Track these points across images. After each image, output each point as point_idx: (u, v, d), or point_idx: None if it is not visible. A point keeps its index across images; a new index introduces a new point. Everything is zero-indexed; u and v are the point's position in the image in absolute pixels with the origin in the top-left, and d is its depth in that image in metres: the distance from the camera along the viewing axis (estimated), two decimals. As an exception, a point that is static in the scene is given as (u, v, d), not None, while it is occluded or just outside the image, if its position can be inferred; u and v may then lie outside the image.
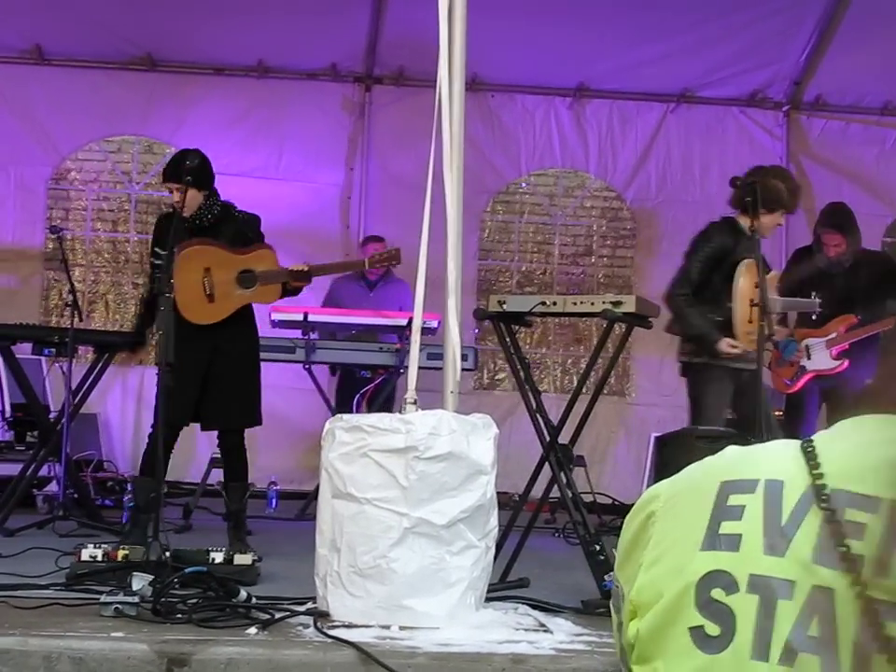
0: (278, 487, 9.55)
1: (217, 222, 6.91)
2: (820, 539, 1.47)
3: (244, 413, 6.99)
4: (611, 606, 1.75)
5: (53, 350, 7.86)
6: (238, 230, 6.96)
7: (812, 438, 1.60)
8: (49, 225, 10.07)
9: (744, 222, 6.74)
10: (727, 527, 1.54)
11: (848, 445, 1.58)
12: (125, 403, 10.88)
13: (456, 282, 5.09)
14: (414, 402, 4.81)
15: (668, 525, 1.61)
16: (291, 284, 6.89)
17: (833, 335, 8.37)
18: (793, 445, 1.59)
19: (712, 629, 1.51)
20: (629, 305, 5.73)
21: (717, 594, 1.51)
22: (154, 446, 6.43)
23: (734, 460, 1.63)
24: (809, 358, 8.28)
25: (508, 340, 5.98)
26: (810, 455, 1.55)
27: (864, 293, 8.12)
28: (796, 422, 8.79)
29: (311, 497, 8.65)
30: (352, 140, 11.32)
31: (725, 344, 6.65)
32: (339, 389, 9.83)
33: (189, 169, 6.65)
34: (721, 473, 1.59)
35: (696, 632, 1.52)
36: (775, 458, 1.59)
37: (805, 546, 1.48)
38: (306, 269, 6.82)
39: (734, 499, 1.55)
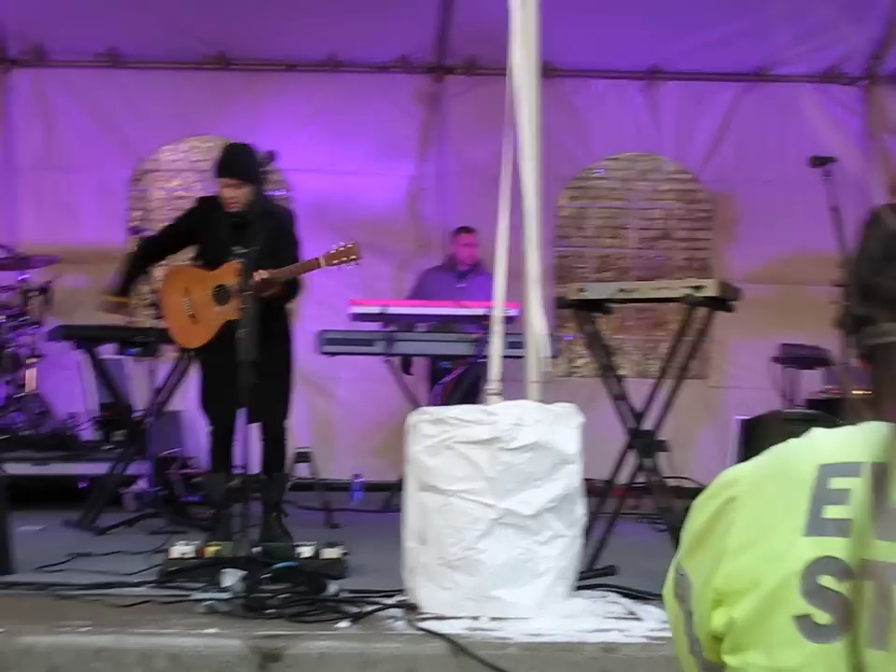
0: (362, 479, 9.59)
1: (259, 217, 6.67)
2: None
3: (285, 406, 7.02)
4: (669, 595, 1.71)
5: (137, 349, 7.94)
6: (276, 225, 6.84)
7: None
8: (129, 226, 10.16)
9: None
10: (833, 512, 1.49)
11: None
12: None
13: (538, 273, 5.08)
14: (498, 393, 4.81)
15: (758, 510, 1.55)
16: (262, 294, 6.57)
17: None
18: (887, 426, 1.53)
19: (822, 618, 1.46)
20: (710, 289, 5.69)
21: (827, 581, 1.46)
22: (218, 439, 6.82)
23: (829, 443, 1.58)
24: None
25: (588, 327, 5.96)
26: None
27: None
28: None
29: (395, 488, 8.69)
30: (424, 131, 11.32)
31: None
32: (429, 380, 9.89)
33: (244, 161, 6.74)
34: (817, 456, 1.55)
35: (803, 621, 1.47)
36: (873, 440, 1.53)
37: None
38: (266, 276, 6.49)
39: (837, 483, 1.51)
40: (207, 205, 7.02)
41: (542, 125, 5.42)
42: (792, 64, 11.05)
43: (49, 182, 11.04)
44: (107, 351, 8.21)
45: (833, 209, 5.92)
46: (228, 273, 6.71)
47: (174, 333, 7.07)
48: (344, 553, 5.65)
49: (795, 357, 9.27)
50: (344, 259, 6.83)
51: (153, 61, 11.03)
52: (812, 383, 9.87)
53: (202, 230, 6.86)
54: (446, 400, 8.96)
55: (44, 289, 9.42)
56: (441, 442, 4.62)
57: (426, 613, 4.54)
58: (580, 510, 4.74)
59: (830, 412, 7.85)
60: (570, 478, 4.65)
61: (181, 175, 11.51)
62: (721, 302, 5.96)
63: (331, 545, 5.70)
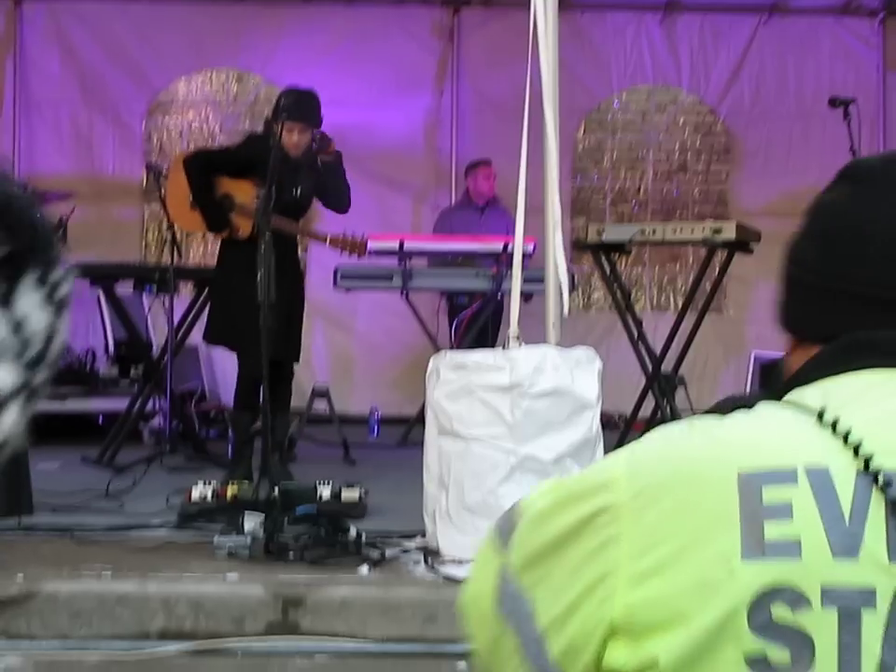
0: (379, 414, 9.63)
1: (312, 160, 6.91)
2: (891, 533, 1.25)
3: (299, 347, 7.03)
4: (483, 605, 1.38)
5: (154, 287, 7.95)
6: (325, 164, 6.95)
7: (822, 406, 1.32)
8: (145, 160, 10.14)
9: None
10: (775, 530, 1.27)
11: (877, 412, 1.33)
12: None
13: (559, 216, 5.06)
14: (518, 338, 4.81)
15: (660, 526, 1.27)
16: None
17: None
18: (804, 418, 1.32)
19: (779, 656, 1.25)
20: (729, 232, 5.69)
21: (781, 612, 1.25)
22: (243, 379, 6.96)
23: (746, 442, 1.31)
24: None
25: (607, 269, 5.96)
26: (844, 431, 1.30)
27: None
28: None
29: (412, 423, 8.73)
30: (441, 64, 11.26)
31: None
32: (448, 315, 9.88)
33: (314, 108, 6.88)
34: (735, 459, 1.29)
35: (757, 661, 1.25)
36: (799, 437, 1.31)
37: (877, 545, 1.26)
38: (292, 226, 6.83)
39: (771, 494, 1.27)
40: (259, 142, 6.89)
41: (560, 58, 5.37)
42: (811, -4, 10.97)
43: (65, 115, 11.01)
44: (124, 288, 8.20)
45: (851, 151, 5.88)
46: (242, 190, 6.79)
47: (171, 211, 7.32)
48: (364, 493, 5.67)
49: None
50: (347, 248, 6.93)
51: (168, -8, 10.97)
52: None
53: (260, 166, 6.46)
54: (464, 335, 8.98)
55: (59, 225, 9.40)
56: (462, 388, 4.63)
57: (446, 557, 4.56)
58: (599, 454, 4.75)
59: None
60: (590, 423, 4.66)
61: (196, 107, 11.47)
62: (742, 245, 5.94)
63: (351, 485, 5.72)
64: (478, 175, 9.94)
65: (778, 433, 1.32)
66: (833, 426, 1.30)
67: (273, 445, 6.60)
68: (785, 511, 1.27)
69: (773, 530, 1.26)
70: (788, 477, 1.27)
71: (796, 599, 1.26)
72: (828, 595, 1.25)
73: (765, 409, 1.36)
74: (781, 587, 1.26)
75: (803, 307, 1.47)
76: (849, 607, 1.25)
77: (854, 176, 1.54)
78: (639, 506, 1.28)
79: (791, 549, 1.26)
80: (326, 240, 6.96)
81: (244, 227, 6.75)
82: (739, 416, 1.34)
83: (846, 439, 1.28)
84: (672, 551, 1.26)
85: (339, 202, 7.18)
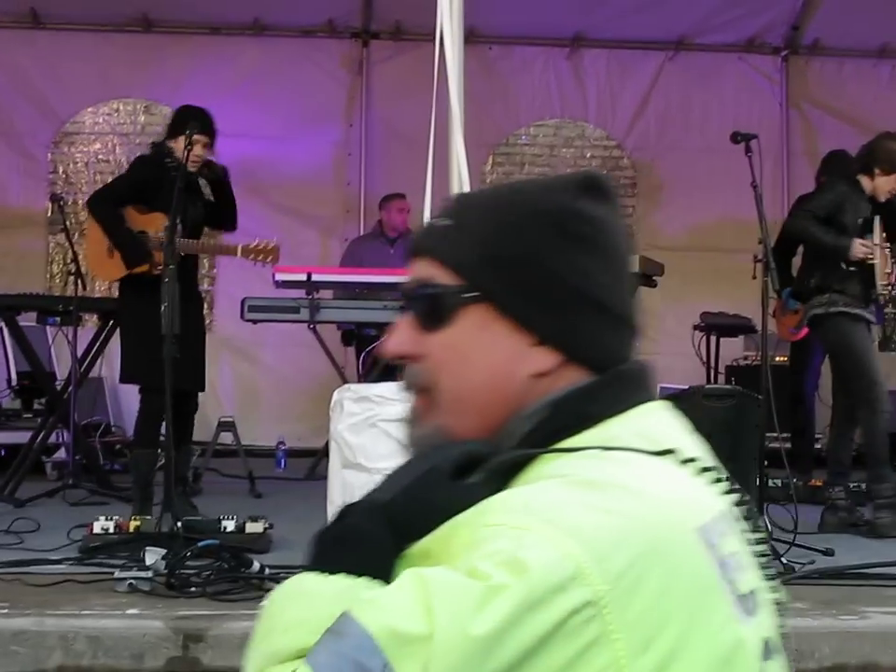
0: (286, 447, 9.59)
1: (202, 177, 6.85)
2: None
3: (203, 376, 6.92)
4: None
5: (58, 318, 7.87)
6: (216, 180, 6.91)
7: (673, 448, 1.29)
8: (49, 191, 10.04)
9: (866, 184, 6.86)
10: (743, 584, 1.26)
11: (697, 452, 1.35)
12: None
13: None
14: (421, 370, 4.81)
15: (655, 613, 1.16)
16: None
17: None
18: (671, 465, 1.27)
19: None
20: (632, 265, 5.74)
21: (772, 668, 1.28)
22: (148, 415, 6.57)
23: (675, 497, 1.25)
24: None
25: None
26: (716, 476, 1.30)
27: None
28: (801, 370, 8.82)
29: (319, 456, 8.69)
30: (350, 96, 11.28)
31: (858, 245, 6.76)
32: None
33: (214, 124, 6.79)
34: (683, 518, 1.23)
35: None
36: (691, 486, 1.28)
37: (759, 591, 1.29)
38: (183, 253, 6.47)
39: (724, 546, 1.25)
40: (152, 163, 6.79)
41: (468, 91, 5.40)
42: (715, 34, 11.13)
43: (-32, 145, 10.90)
44: (28, 319, 8.10)
45: (753, 185, 5.95)
46: (154, 224, 6.63)
47: (88, 260, 7.27)
48: (268, 527, 5.64)
49: (716, 325, 9.36)
50: (262, 257, 6.85)
51: (74, 22, 10.88)
52: (733, 350, 9.99)
53: (151, 187, 6.60)
54: (371, 368, 8.97)
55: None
56: (365, 420, 4.63)
57: (349, 590, 4.54)
58: (502, 486, 4.77)
59: (749, 379, 7.94)
60: (493, 455, 4.67)
61: (103, 138, 11.37)
62: (646, 279, 6.00)
63: (255, 519, 5.69)
64: (392, 207, 9.94)
65: (678, 483, 1.27)
66: (703, 470, 1.29)
67: (177, 479, 6.48)
68: (739, 562, 1.26)
69: (741, 584, 1.25)
70: (722, 527, 1.26)
71: (771, 649, 1.27)
72: (768, 647, 1.27)
73: (631, 457, 1.27)
74: (767, 640, 1.26)
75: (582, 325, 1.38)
76: (772, 655, 1.28)
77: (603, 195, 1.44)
78: (622, 595, 1.14)
79: (752, 602, 1.26)
80: (237, 252, 6.86)
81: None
82: (635, 470, 1.25)
83: (718, 483, 1.30)
84: (676, 637, 1.16)
85: (230, 217, 7.04)
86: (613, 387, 1.34)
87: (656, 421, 1.36)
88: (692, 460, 1.29)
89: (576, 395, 1.32)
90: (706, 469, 1.29)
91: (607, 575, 1.14)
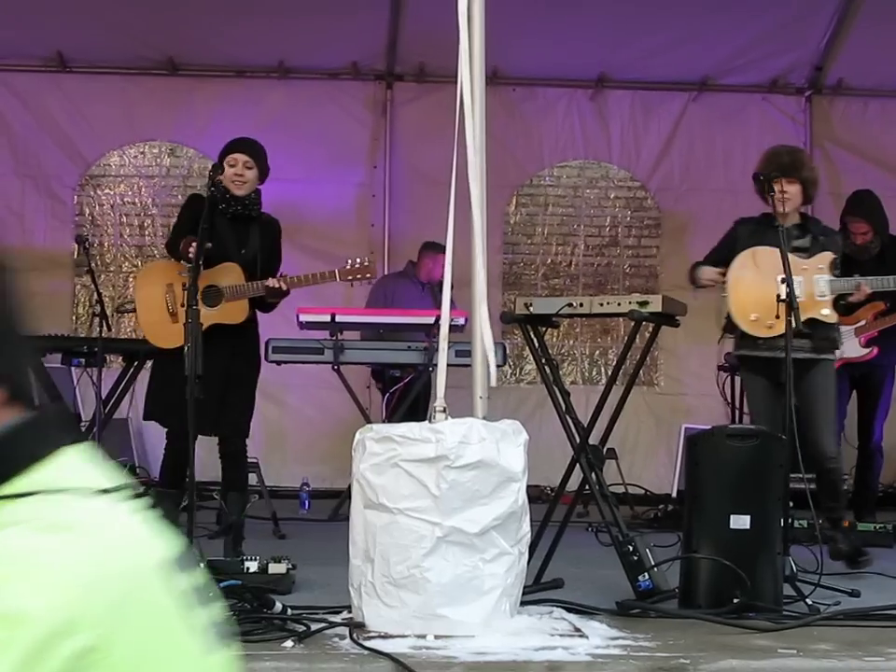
0: (310, 488, 9.58)
1: (254, 219, 6.71)
2: None
3: (247, 420, 6.82)
4: None
5: (82, 360, 7.90)
6: (272, 232, 6.81)
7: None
8: (75, 234, 10.10)
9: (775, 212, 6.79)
10: (203, 616, 1.30)
11: None
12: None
13: (484, 289, 5.09)
14: (444, 410, 4.81)
15: (143, 647, 1.19)
16: (267, 299, 6.64)
17: (863, 322, 8.39)
18: (119, 505, 1.27)
19: None
20: (656, 305, 5.74)
21: None
22: (178, 453, 6.46)
23: (134, 535, 1.26)
24: (839, 349, 8.25)
25: (535, 342, 5.98)
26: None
27: None
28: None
29: (343, 497, 8.68)
30: (375, 138, 11.33)
31: (705, 272, 6.71)
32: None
33: (260, 148, 6.73)
34: (145, 555, 1.24)
35: None
36: (141, 522, 1.28)
37: None
38: (282, 285, 6.46)
39: (180, 581, 1.27)
40: (201, 202, 6.48)
41: (491, 132, 5.43)
42: (739, 74, 11.16)
43: (-4, 187, 10.98)
44: (53, 361, 8.14)
45: (776, 226, 5.95)
46: (223, 274, 6.50)
47: (145, 329, 6.72)
48: (291, 568, 5.64)
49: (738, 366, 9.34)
50: (360, 276, 6.82)
51: (100, 65, 10.97)
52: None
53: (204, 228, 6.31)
54: (396, 409, 8.98)
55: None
56: (387, 460, 4.62)
57: (371, 631, 4.54)
58: (525, 527, 4.76)
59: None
60: (515, 495, 4.66)
61: (129, 180, 11.45)
62: (668, 318, 6.00)
63: (278, 560, 5.69)
64: (435, 259, 9.64)
65: (132, 523, 1.27)
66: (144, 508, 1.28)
67: (228, 525, 6.60)
68: (193, 598, 1.27)
69: (200, 617, 1.28)
70: (174, 564, 1.26)
71: None
72: None
73: (79, 498, 1.24)
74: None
75: None
76: None
77: None
78: (113, 635, 1.15)
79: (211, 633, 1.29)
80: (336, 277, 6.78)
81: (238, 311, 6.53)
82: (89, 512, 1.23)
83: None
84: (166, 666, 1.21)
85: (267, 272, 6.74)
86: (43, 429, 1.30)
87: (87, 462, 1.31)
88: (133, 497, 1.29)
89: (13, 435, 1.27)
90: (146, 506, 1.29)
91: (97, 618, 1.14)
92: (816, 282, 6.42)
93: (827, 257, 6.46)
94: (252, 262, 6.58)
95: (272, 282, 6.40)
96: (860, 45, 10.78)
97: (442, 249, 9.77)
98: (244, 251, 6.58)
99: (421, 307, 9.40)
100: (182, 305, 6.25)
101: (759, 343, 6.52)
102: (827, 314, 6.02)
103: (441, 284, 9.66)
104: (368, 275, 6.89)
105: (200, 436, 6.15)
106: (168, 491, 6.60)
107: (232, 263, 6.52)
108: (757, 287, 6.51)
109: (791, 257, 6.48)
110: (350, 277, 6.81)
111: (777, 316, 6.18)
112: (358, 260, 6.87)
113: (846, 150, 11.43)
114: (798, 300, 6.36)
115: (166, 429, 6.68)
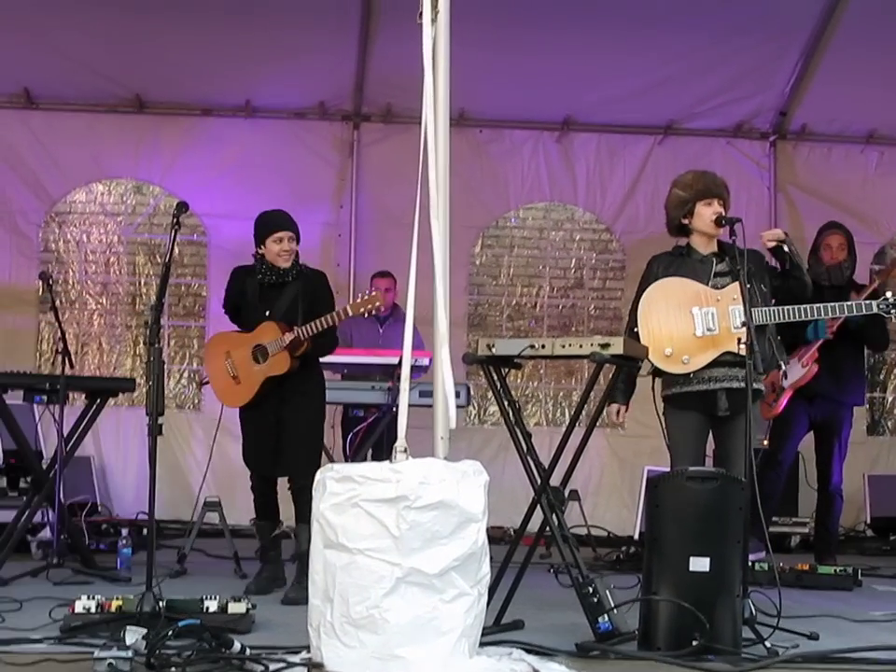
0: (273, 527, 9.52)
1: (287, 283, 7.31)
2: None
3: (313, 459, 7.24)
4: None
5: (45, 397, 7.85)
6: (313, 285, 7.39)
7: None
8: (40, 270, 10.07)
9: (691, 242, 6.78)
10: None
11: None
12: (120, 445, 10.90)
13: (447, 330, 5.10)
14: (405, 450, 4.81)
15: None
16: (293, 353, 7.16)
17: (801, 350, 8.50)
18: None
19: None
20: (617, 347, 5.75)
21: None
22: (256, 493, 7.47)
23: None
24: (786, 378, 8.29)
25: (498, 383, 5.99)
26: None
27: None
28: (782, 447, 8.83)
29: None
30: (341, 178, 11.37)
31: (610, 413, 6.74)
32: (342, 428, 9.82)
33: (294, 220, 7.34)
34: None
35: None
36: None
37: None
38: (299, 334, 7.06)
39: None
40: (242, 274, 7.45)
41: (457, 173, 5.45)
42: (704, 119, 11.26)
43: (-41, 223, 10.96)
44: (14, 398, 8.09)
45: (737, 269, 5.98)
46: (264, 333, 7.19)
47: (218, 395, 7.51)
48: (251, 608, 5.62)
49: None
50: (370, 306, 7.13)
51: (67, 102, 10.98)
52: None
53: (239, 298, 7.43)
54: (359, 449, 8.96)
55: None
56: (348, 500, 4.61)
57: (329, 672, 4.52)
58: (485, 568, 4.75)
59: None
60: (475, 536, 4.65)
61: (94, 217, 11.43)
62: (630, 360, 6.02)
63: (238, 599, 5.67)
64: (375, 285, 10.00)
65: None
66: None
67: (298, 555, 7.09)
68: None
69: None
70: None
71: None
72: None
73: None
74: None
75: None
76: None
77: None
78: None
79: None
80: (346, 313, 7.16)
81: (282, 363, 7.14)
82: None
83: None
84: None
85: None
86: None
87: None
88: None
89: None
90: None
91: None
92: (731, 314, 6.40)
93: (737, 288, 6.32)
94: (287, 318, 7.21)
95: (287, 336, 7.07)
96: (824, 91, 10.90)
97: (387, 275, 9.97)
98: (268, 312, 7.24)
99: (380, 345, 9.45)
100: (239, 368, 7.30)
101: (692, 378, 6.49)
102: (742, 347, 5.96)
103: (395, 311, 9.78)
104: (377, 304, 7.18)
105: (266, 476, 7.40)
106: (260, 522, 7.47)
107: (269, 322, 7.21)
108: (669, 321, 6.47)
109: (704, 289, 6.51)
110: (362, 310, 7.17)
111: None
112: (366, 293, 7.29)
113: (809, 195, 11.54)
114: (713, 333, 6.40)
115: (251, 468, 7.47)
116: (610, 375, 6.39)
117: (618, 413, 6.72)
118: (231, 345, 7.37)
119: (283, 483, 7.44)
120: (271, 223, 7.32)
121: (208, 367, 7.60)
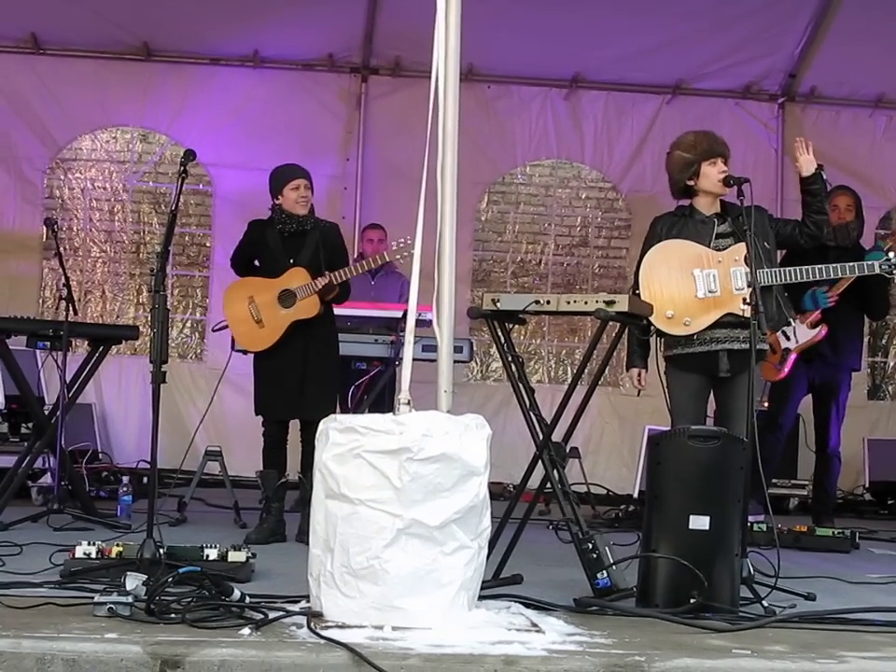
0: (273, 478, 9.55)
1: (307, 231, 7.50)
2: None
3: (334, 403, 7.52)
4: None
5: (48, 343, 7.85)
6: (331, 238, 7.63)
7: None
8: (44, 217, 10.05)
9: (694, 203, 6.76)
10: None
11: None
12: (122, 393, 10.92)
13: (450, 284, 5.10)
14: (408, 403, 4.82)
15: None
16: (324, 297, 7.38)
17: (806, 312, 8.49)
18: None
19: None
20: (622, 304, 5.73)
21: None
22: (267, 441, 7.54)
23: None
24: (789, 339, 8.29)
25: (502, 338, 5.98)
26: None
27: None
28: (782, 410, 8.84)
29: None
30: (348, 131, 11.34)
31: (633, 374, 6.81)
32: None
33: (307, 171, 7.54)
34: None
35: None
36: None
37: None
38: (332, 279, 7.27)
39: None
40: (260, 226, 7.62)
41: (465, 129, 5.42)
42: (713, 79, 11.21)
43: (-36, 167, 10.93)
44: (18, 343, 8.09)
45: (745, 229, 5.96)
46: (292, 278, 7.35)
47: (239, 339, 7.70)
48: (251, 556, 5.63)
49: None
50: (405, 252, 7.33)
51: (75, 48, 10.95)
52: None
53: (260, 248, 7.56)
54: (360, 402, 8.97)
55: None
56: (350, 451, 4.61)
57: (329, 621, 4.53)
58: (485, 521, 4.76)
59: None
60: (477, 490, 4.65)
61: (100, 164, 11.41)
62: (634, 318, 6.00)
63: (238, 548, 5.68)
64: (365, 237, 10.05)
65: None
66: None
67: (304, 503, 7.05)
68: None
69: None
70: None
71: None
72: None
73: None
74: None
75: None
76: None
77: None
78: None
79: None
80: (383, 259, 7.67)
81: (311, 307, 7.35)
82: None
83: None
84: None
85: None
86: None
87: None
88: None
89: None
90: None
91: None
92: (732, 275, 6.40)
93: (741, 249, 6.30)
94: (313, 266, 7.38)
95: (319, 281, 7.25)
96: (833, 54, 10.86)
97: (374, 227, 10.01)
98: (292, 261, 7.40)
99: (371, 297, 9.46)
100: (264, 312, 7.41)
101: (693, 340, 6.50)
102: (744, 308, 5.94)
103: (387, 264, 9.76)
104: (412, 251, 7.20)
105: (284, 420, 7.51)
106: (268, 471, 7.50)
107: (298, 267, 7.36)
108: (670, 284, 6.48)
109: (706, 250, 6.51)
110: (398, 255, 7.52)
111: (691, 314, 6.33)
112: (401, 240, 7.47)
113: (816, 158, 11.47)
114: (714, 295, 6.40)
115: (264, 416, 7.53)
116: (614, 334, 6.37)
117: (639, 376, 6.74)
118: (254, 290, 7.47)
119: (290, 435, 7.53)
120: (287, 172, 7.52)
121: (228, 311, 7.63)
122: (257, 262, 7.64)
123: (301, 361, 7.36)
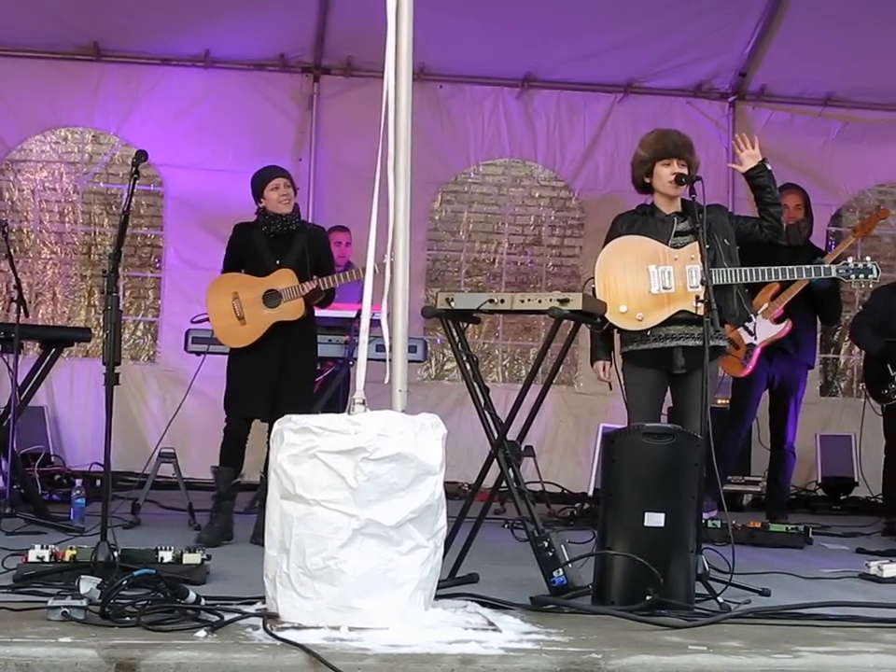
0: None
1: (293, 232, 7.51)
2: None
3: (307, 406, 7.43)
4: None
5: (-1, 345, 7.80)
6: (318, 241, 7.66)
7: None
8: (-6, 218, 9.98)
9: (655, 201, 6.80)
10: None
11: None
12: (74, 396, 10.84)
13: (405, 282, 5.10)
14: (363, 402, 4.81)
15: None
16: (310, 302, 7.45)
17: (765, 306, 8.52)
18: None
19: None
20: (576, 303, 5.74)
21: None
22: (228, 437, 7.51)
23: None
24: (752, 334, 8.35)
25: (456, 337, 5.99)
26: None
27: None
28: (747, 406, 8.88)
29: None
30: (300, 131, 11.30)
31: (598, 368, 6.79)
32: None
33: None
34: None
35: None
36: None
37: None
38: (319, 285, 7.37)
39: None
40: (245, 228, 7.64)
41: (417, 128, 5.41)
42: (664, 78, 11.25)
43: (-89, 171, 10.84)
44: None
45: (696, 227, 5.99)
46: (279, 279, 7.40)
47: (218, 333, 7.63)
48: (206, 558, 5.61)
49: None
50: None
51: (23, 48, 10.84)
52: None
53: (245, 251, 7.57)
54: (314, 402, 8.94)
55: None
56: (305, 451, 4.60)
57: (285, 622, 4.52)
58: (441, 521, 4.76)
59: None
60: (432, 489, 4.66)
61: (50, 166, 11.33)
62: (588, 316, 6.02)
63: (192, 550, 5.66)
64: (332, 240, 9.97)
65: None
66: None
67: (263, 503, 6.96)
68: None
69: None
70: None
71: None
72: None
73: None
74: None
75: None
76: None
77: None
78: None
79: None
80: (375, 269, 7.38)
81: (295, 309, 7.39)
82: None
83: None
84: None
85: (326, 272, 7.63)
86: None
87: None
88: None
89: None
90: None
91: None
92: (688, 272, 6.44)
93: (696, 248, 6.31)
94: (299, 269, 7.43)
95: (307, 285, 7.34)
96: (783, 53, 10.92)
97: (339, 229, 9.96)
98: (278, 262, 7.44)
99: (337, 299, 9.41)
100: (247, 309, 7.43)
101: (648, 336, 6.54)
102: (698, 305, 5.97)
103: (348, 266, 9.74)
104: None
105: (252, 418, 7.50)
106: (223, 468, 7.48)
107: (286, 269, 7.40)
108: (625, 279, 6.51)
109: (662, 247, 6.55)
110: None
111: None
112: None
113: (767, 156, 11.50)
114: (668, 291, 6.44)
115: (230, 412, 7.54)
116: (568, 332, 6.38)
117: (603, 369, 6.76)
118: (239, 287, 7.47)
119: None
120: (265, 174, 7.61)
121: (211, 304, 7.58)
122: (243, 270, 7.63)
123: (277, 363, 7.39)
